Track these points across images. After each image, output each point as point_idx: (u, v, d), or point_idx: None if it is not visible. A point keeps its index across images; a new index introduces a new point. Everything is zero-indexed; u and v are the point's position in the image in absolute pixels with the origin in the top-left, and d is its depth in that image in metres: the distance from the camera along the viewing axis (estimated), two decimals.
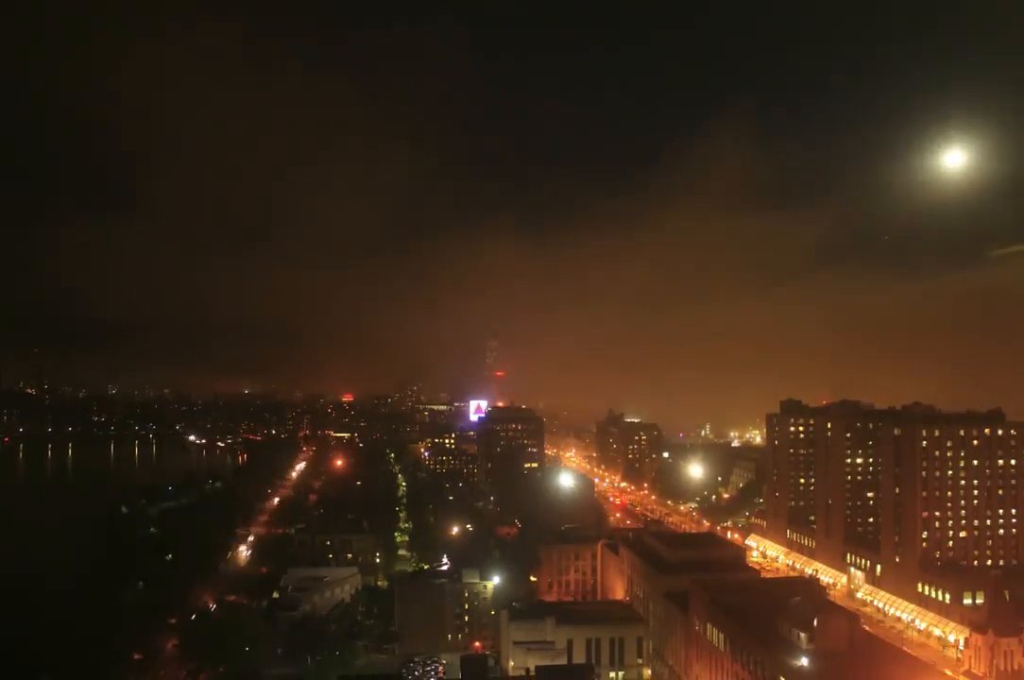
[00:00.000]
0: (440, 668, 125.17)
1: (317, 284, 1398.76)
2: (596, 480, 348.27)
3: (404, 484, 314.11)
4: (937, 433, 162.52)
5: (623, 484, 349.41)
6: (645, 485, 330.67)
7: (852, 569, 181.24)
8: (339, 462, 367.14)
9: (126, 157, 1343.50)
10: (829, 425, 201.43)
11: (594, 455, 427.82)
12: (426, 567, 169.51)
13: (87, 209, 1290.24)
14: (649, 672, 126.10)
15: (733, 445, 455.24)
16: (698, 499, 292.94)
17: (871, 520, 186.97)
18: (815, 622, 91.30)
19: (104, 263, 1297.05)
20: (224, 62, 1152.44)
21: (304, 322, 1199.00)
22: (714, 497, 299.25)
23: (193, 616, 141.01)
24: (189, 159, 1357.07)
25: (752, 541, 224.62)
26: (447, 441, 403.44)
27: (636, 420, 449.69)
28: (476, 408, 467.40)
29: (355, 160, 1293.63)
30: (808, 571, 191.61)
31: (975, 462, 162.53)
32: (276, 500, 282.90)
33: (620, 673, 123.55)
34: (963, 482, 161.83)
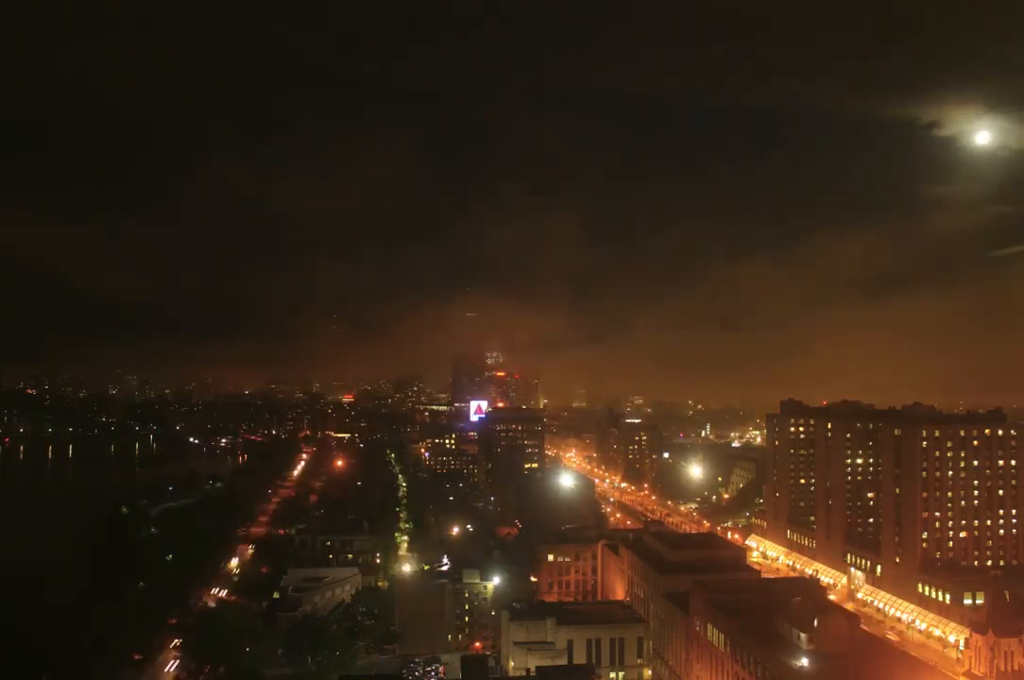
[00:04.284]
0: (441, 668, 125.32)
1: (320, 285, 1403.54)
2: (596, 480, 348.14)
3: (404, 484, 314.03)
4: (937, 433, 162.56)
5: (623, 484, 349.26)
6: (645, 485, 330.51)
7: (852, 569, 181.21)
8: (339, 462, 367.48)
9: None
10: (829, 425, 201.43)
11: (594, 455, 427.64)
12: (427, 567, 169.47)
13: (99, 209, 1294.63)
14: (649, 672, 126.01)
15: (733, 445, 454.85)
16: (698, 499, 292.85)
17: (871, 520, 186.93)
18: (815, 622, 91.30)
19: (106, 263, 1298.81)
20: None
21: (306, 323, 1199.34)
22: (714, 497, 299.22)
23: (193, 616, 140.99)
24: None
25: (752, 541, 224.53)
26: (447, 441, 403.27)
27: (636, 421, 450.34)
28: (476, 408, 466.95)
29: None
30: (808, 571, 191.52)
31: (975, 462, 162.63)
32: (276, 500, 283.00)
33: (620, 673, 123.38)
34: (963, 482, 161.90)
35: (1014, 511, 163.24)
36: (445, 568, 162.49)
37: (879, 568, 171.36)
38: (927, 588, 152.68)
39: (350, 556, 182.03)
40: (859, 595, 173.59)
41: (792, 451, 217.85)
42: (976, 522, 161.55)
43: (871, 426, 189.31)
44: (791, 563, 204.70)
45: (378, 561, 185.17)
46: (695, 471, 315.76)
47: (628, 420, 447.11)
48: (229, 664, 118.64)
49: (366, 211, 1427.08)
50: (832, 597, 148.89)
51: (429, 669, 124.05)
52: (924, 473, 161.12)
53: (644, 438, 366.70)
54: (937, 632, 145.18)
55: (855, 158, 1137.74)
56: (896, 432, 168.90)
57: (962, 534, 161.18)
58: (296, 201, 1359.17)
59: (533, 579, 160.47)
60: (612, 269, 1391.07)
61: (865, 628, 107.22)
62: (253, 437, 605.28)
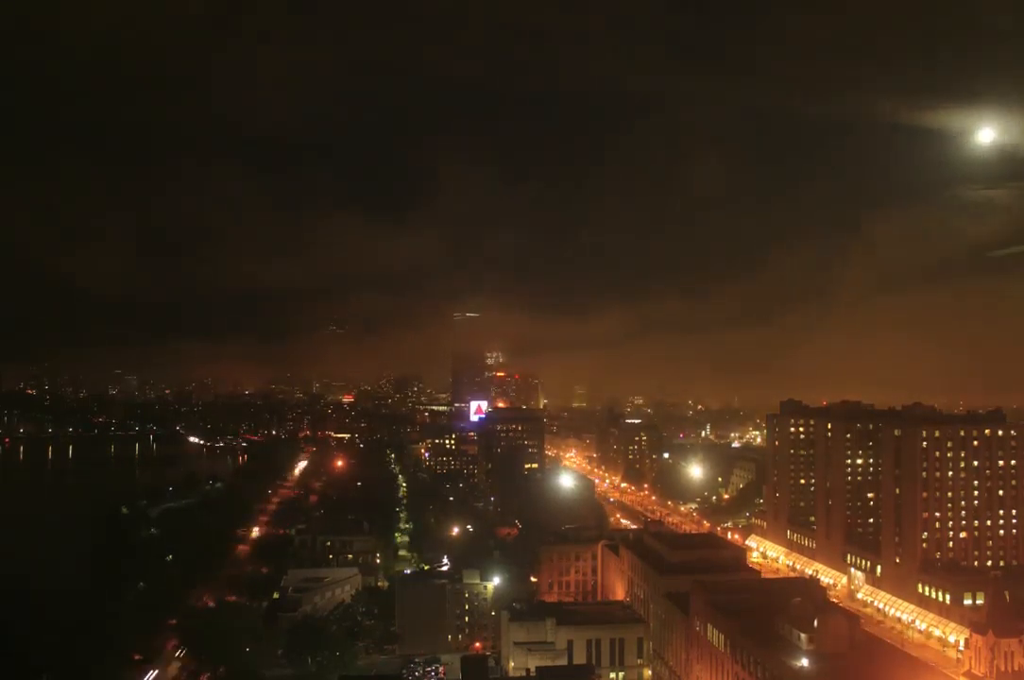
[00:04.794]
0: (441, 668, 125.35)
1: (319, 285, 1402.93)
2: (596, 481, 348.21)
3: (404, 485, 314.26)
4: (937, 434, 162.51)
5: (623, 484, 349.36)
6: (645, 486, 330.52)
7: (852, 570, 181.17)
8: (339, 463, 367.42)
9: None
10: (829, 426, 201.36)
11: (594, 456, 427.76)
12: (426, 568, 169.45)
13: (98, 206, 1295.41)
14: (649, 673, 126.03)
15: (733, 446, 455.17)
16: (698, 500, 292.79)
17: (871, 521, 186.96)
18: (815, 623, 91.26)
19: (105, 263, 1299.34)
20: None
21: (306, 323, 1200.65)
22: (714, 498, 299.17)
23: (193, 616, 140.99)
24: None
25: (752, 542, 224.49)
26: (447, 442, 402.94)
27: (636, 421, 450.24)
28: (476, 409, 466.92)
29: None
30: (808, 572, 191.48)
31: (975, 463, 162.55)
32: (276, 501, 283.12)
33: (620, 674, 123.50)
34: (963, 483, 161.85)
35: (1014, 511, 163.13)
36: (445, 568, 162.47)
37: (879, 568, 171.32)
38: (927, 588, 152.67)
39: (350, 556, 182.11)
40: (859, 595, 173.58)
41: (792, 451, 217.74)
42: (976, 522, 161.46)
43: (871, 426, 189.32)
44: (791, 563, 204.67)
45: (378, 561, 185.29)
46: (695, 471, 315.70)
47: (628, 420, 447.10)
48: (229, 664, 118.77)
49: None
50: (832, 597, 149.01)
51: (429, 669, 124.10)
52: (924, 473, 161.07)
53: (644, 438, 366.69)
54: (937, 632, 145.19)
55: (859, 158, 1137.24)
56: (896, 432, 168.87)
57: (962, 534, 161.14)
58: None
59: (533, 579, 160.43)
60: (615, 270, 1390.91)
61: (865, 629, 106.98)
62: (253, 437, 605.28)
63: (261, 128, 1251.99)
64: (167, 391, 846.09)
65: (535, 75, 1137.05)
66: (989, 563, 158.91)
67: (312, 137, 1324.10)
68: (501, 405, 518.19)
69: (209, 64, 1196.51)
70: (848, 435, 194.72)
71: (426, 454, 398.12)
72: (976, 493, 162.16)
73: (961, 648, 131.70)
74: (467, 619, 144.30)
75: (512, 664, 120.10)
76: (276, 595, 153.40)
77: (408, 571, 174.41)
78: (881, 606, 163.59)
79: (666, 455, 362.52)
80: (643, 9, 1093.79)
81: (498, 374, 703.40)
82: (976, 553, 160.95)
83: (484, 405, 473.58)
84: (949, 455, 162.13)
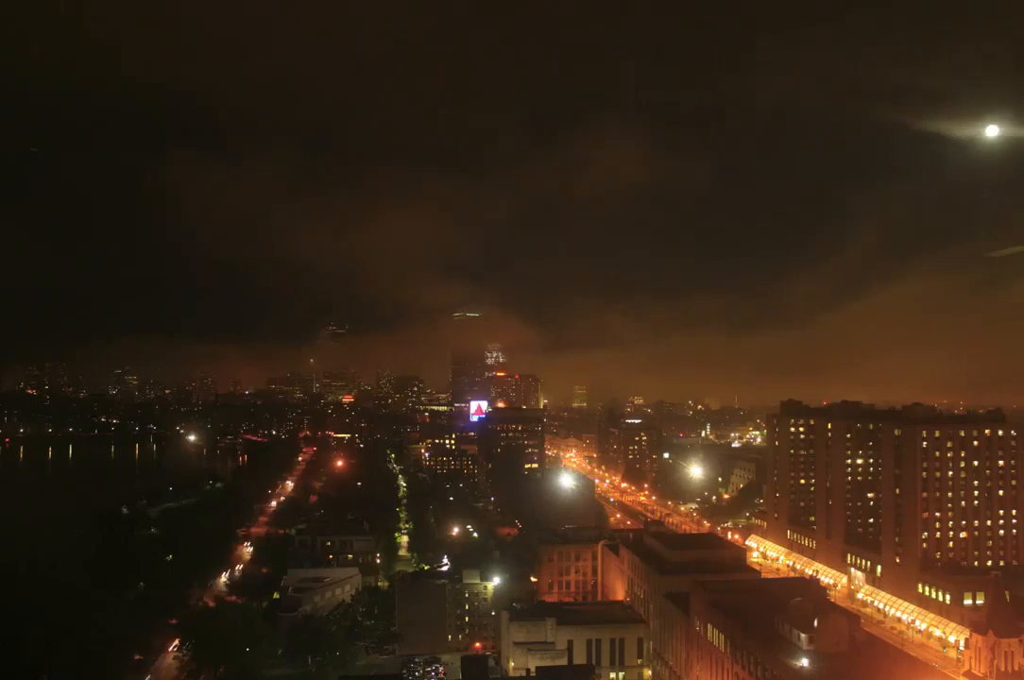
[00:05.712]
0: (441, 668, 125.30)
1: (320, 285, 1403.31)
2: (596, 481, 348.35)
3: (404, 485, 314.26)
4: (937, 434, 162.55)
5: (623, 484, 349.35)
6: (645, 485, 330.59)
7: (853, 570, 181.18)
8: (339, 462, 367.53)
9: None
10: (829, 426, 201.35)
11: (594, 456, 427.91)
12: (427, 568, 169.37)
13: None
14: (649, 673, 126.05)
15: (733, 446, 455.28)
16: (698, 500, 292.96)
17: (871, 521, 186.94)
18: (815, 623, 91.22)
19: (104, 263, 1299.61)
20: None
21: (306, 323, 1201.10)
22: (714, 498, 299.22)
23: (193, 616, 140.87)
24: None
25: (752, 542, 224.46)
26: (447, 442, 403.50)
27: (636, 421, 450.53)
28: (476, 409, 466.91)
29: None
30: (808, 572, 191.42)
31: (975, 463, 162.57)
32: (276, 500, 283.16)
33: (620, 674, 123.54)
34: (963, 483, 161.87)
35: (1014, 511, 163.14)
36: (445, 568, 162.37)
37: (879, 568, 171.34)
38: (927, 588, 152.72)
39: (350, 556, 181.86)
40: (859, 595, 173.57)
41: (792, 451, 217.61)
42: (976, 522, 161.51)
43: (871, 426, 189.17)
44: (791, 563, 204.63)
45: (378, 561, 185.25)
46: (695, 471, 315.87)
47: (628, 420, 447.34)
48: (229, 664, 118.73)
49: None
50: (832, 597, 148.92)
51: (429, 669, 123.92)
52: (924, 473, 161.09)
53: (644, 438, 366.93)
54: (937, 632, 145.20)
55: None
56: (896, 432, 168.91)
57: (962, 534, 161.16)
58: None
59: (533, 579, 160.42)
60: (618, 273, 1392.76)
61: (865, 629, 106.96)
62: (253, 437, 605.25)
63: None
64: (167, 391, 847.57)
65: None
66: (989, 563, 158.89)
67: None
68: (501, 405, 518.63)
69: None
70: (848, 435, 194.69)
71: (426, 454, 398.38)
72: (976, 493, 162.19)
73: (961, 648, 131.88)
74: (467, 619, 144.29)
75: (512, 664, 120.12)
76: (276, 595, 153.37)
77: (408, 571, 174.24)
78: (881, 606, 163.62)
79: (666, 455, 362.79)
80: None
81: (498, 374, 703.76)
82: (976, 553, 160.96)
83: (484, 405, 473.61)
84: (949, 455, 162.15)
